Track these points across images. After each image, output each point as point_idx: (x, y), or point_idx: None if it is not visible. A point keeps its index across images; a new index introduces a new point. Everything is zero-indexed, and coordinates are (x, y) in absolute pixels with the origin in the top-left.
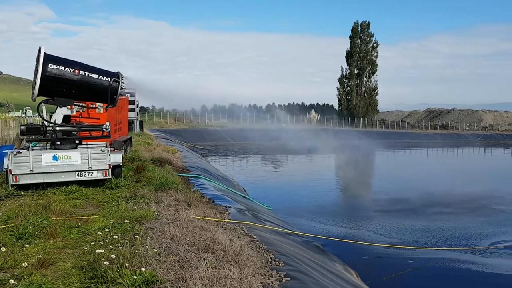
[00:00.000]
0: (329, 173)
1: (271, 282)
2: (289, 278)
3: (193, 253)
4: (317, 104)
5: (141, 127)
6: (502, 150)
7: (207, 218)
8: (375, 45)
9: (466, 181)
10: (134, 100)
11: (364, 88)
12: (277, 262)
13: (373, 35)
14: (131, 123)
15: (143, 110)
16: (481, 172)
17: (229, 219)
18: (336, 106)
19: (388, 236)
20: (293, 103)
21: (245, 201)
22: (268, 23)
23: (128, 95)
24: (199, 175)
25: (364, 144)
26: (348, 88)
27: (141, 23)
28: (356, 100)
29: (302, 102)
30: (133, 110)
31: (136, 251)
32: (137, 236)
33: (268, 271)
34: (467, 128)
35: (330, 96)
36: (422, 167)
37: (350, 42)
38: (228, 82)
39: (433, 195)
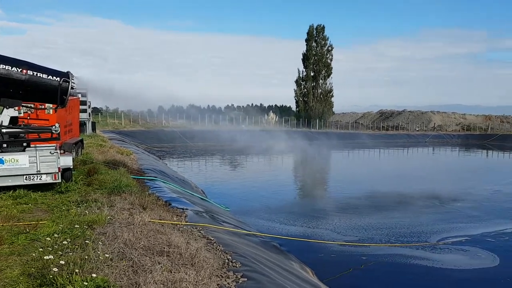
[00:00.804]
0: (287, 173)
1: (228, 283)
2: (245, 279)
3: (148, 257)
4: (276, 105)
5: (93, 129)
6: (449, 149)
7: (163, 221)
8: (330, 48)
9: (418, 180)
10: (85, 101)
11: (320, 90)
12: (234, 263)
13: (327, 38)
14: (82, 124)
15: (96, 111)
16: (431, 171)
17: (186, 222)
18: (294, 108)
19: (344, 234)
20: (252, 104)
21: (203, 203)
22: (226, 24)
23: (79, 95)
24: (155, 177)
25: (320, 144)
26: (305, 90)
27: (93, 21)
28: (312, 102)
29: (261, 104)
30: (84, 111)
31: (87, 257)
32: (88, 242)
33: (225, 273)
34: (417, 129)
35: (288, 97)
36: (376, 167)
37: (306, 45)
38: (185, 82)
39: (387, 193)
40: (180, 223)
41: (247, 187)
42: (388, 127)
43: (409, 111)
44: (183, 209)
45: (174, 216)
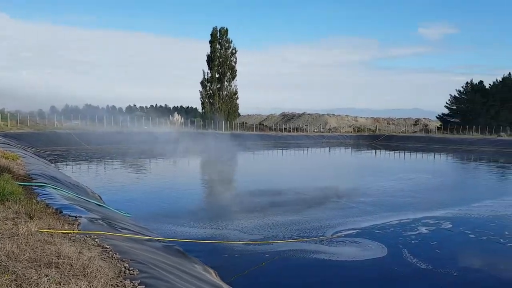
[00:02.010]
0: (193, 176)
1: None
2: (143, 286)
3: (34, 270)
4: (181, 106)
5: None
6: (343, 149)
7: (52, 231)
8: (234, 51)
9: (316, 177)
10: None
11: (225, 92)
12: (131, 271)
13: (231, 41)
14: None
15: None
16: (328, 169)
17: (79, 230)
18: (200, 109)
19: (250, 233)
20: (156, 105)
21: (100, 209)
22: (130, 21)
23: None
24: (45, 183)
25: (226, 146)
26: (211, 91)
27: None
28: (218, 104)
29: (166, 104)
30: None
31: None
32: None
33: (121, 281)
34: (315, 130)
35: (194, 99)
36: (279, 166)
37: (210, 46)
38: (84, 81)
39: (291, 191)
40: (72, 231)
41: (150, 191)
42: (290, 129)
43: (308, 114)
44: (76, 216)
45: (66, 224)
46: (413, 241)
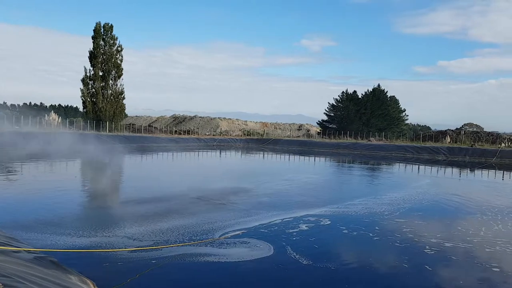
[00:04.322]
0: (74, 181)
1: None
2: None
3: None
4: (60, 105)
5: None
6: (234, 152)
7: None
8: (119, 48)
9: (209, 180)
10: None
11: (110, 91)
12: None
13: (117, 38)
14: None
15: None
16: (220, 171)
17: None
18: (81, 108)
19: (141, 240)
20: (30, 103)
21: None
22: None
23: None
24: None
25: (111, 148)
26: (93, 90)
27: None
28: (102, 103)
29: (41, 103)
30: None
31: None
32: None
33: None
34: (207, 134)
35: (75, 97)
36: (169, 169)
37: (93, 42)
38: None
39: (182, 194)
40: None
41: (22, 197)
42: (181, 131)
43: (200, 117)
44: None
45: None
46: (295, 238)
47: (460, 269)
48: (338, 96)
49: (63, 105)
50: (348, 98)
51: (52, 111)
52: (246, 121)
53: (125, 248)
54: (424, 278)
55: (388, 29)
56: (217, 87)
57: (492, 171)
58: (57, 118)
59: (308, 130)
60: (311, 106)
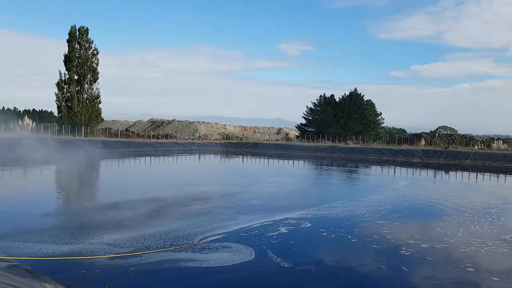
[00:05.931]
0: (49, 187)
1: None
2: None
3: None
4: (34, 110)
5: None
6: (213, 156)
7: None
8: (95, 52)
9: (187, 184)
10: None
11: (86, 95)
12: None
13: (92, 41)
14: None
15: None
16: (200, 176)
17: None
18: (56, 113)
19: (121, 246)
20: (3, 108)
21: None
22: None
23: None
24: None
25: (87, 153)
26: (69, 94)
27: None
28: (77, 108)
29: (15, 107)
30: None
31: None
32: None
33: None
34: (186, 138)
35: (49, 102)
36: (147, 174)
37: (68, 46)
38: None
39: (163, 199)
40: None
41: None
42: (159, 136)
43: (178, 121)
44: None
45: None
46: (274, 241)
47: (435, 269)
48: (316, 100)
49: (37, 110)
50: (326, 102)
51: (26, 116)
52: (225, 125)
53: (104, 255)
54: (401, 278)
55: (365, 34)
56: (196, 91)
57: (466, 173)
58: (31, 123)
59: (287, 134)
60: (290, 110)
